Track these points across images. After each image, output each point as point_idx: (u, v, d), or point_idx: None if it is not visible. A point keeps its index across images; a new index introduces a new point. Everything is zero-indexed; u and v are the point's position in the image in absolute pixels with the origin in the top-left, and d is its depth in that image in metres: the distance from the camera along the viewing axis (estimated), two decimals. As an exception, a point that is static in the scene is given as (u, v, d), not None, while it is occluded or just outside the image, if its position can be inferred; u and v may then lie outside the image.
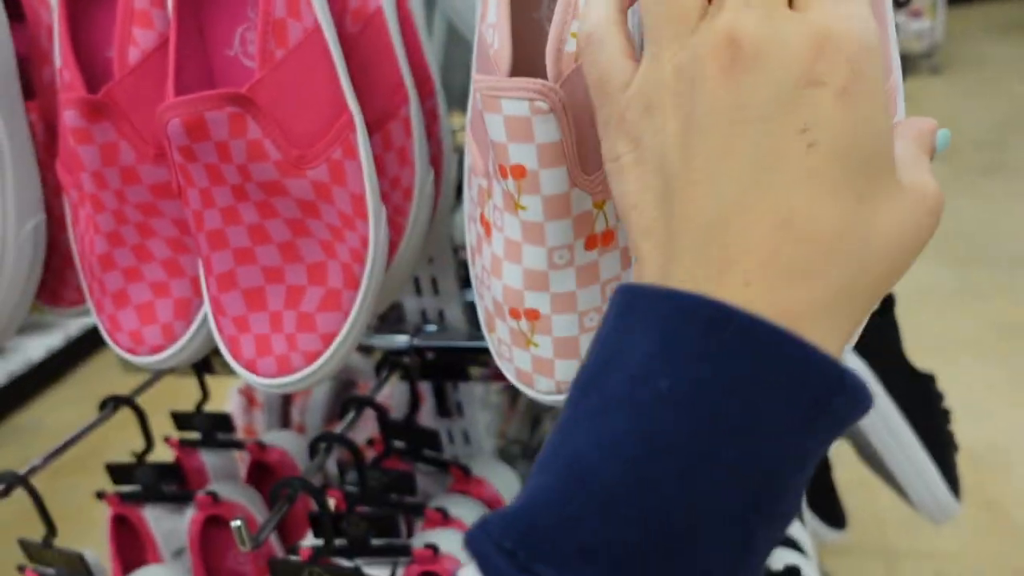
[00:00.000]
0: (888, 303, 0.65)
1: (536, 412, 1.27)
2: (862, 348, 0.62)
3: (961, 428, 1.57)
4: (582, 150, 0.32)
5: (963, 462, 1.45)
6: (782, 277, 0.19)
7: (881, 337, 0.64)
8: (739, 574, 0.18)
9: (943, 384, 1.76)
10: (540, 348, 0.37)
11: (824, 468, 0.69)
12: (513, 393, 1.27)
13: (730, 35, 0.20)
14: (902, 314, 0.73)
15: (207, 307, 0.40)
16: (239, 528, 0.41)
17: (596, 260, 0.35)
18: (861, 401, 0.19)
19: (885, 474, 0.67)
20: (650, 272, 0.22)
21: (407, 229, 0.45)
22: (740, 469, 0.18)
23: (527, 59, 0.32)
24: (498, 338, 0.39)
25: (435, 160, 0.47)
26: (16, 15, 0.49)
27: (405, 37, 0.44)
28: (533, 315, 0.36)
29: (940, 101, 3.53)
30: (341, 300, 0.39)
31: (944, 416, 0.70)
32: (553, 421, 1.31)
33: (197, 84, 0.39)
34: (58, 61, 0.41)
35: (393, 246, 0.45)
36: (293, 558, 0.48)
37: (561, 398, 0.38)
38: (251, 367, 0.39)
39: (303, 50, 0.36)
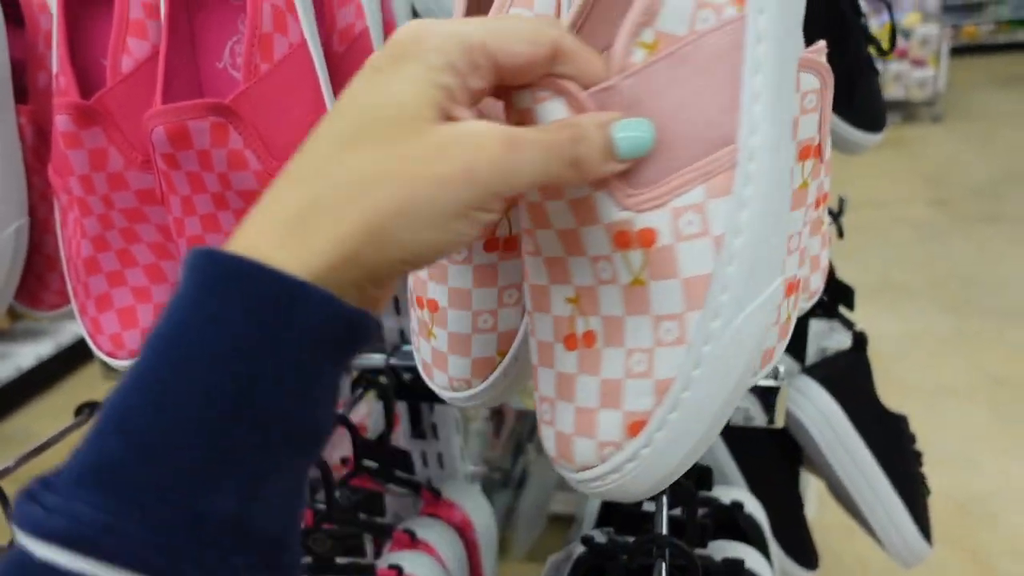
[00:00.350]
0: (860, 342, 0.66)
1: (519, 440, 1.27)
2: (832, 386, 0.63)
3: (948, 476, 1.56)
4: None
5: (949, 511, 1.44)
6: (263, 216, 0.23)
7: (852, 375, 0.65)
8: (225, 478, 0.21)
9: (931, 430, 1.75)
10: (437, 340, 0.38)
11: (794, 505, 0.69)
12: (497, 421, 1.27)
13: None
14: (891, 356, 0.74)
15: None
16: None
17: (495, 263, 0.36)
18: (324, 310, 0.22)
19: (857, 515, 0.67)
20: None
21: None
22: (211, 392, 0.20)
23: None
24: (412, 327, 0.41)
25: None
26: (15, 19, 0.50)
27: (393, 60, 0.45)
28: (433, 306, 0.38)
29: (940, 149, 3.57)
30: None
31: (916, 458, 0.70)
32: (535, 450, 1.31)
33: (186, 94, 0.40)
34: (55, 66, 0.42)
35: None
36: None
37: (455, 395, 0.39)
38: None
39: (288, 64, 0.37)
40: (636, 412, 0.27)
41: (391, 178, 0.22)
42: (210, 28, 0.40)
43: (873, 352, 0.69)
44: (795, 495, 0.69)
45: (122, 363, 0.43)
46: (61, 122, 0.40)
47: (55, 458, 0.60)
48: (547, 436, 0.30)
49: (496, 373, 0.38)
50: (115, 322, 0.43)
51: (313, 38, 0.38)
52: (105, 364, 0.65)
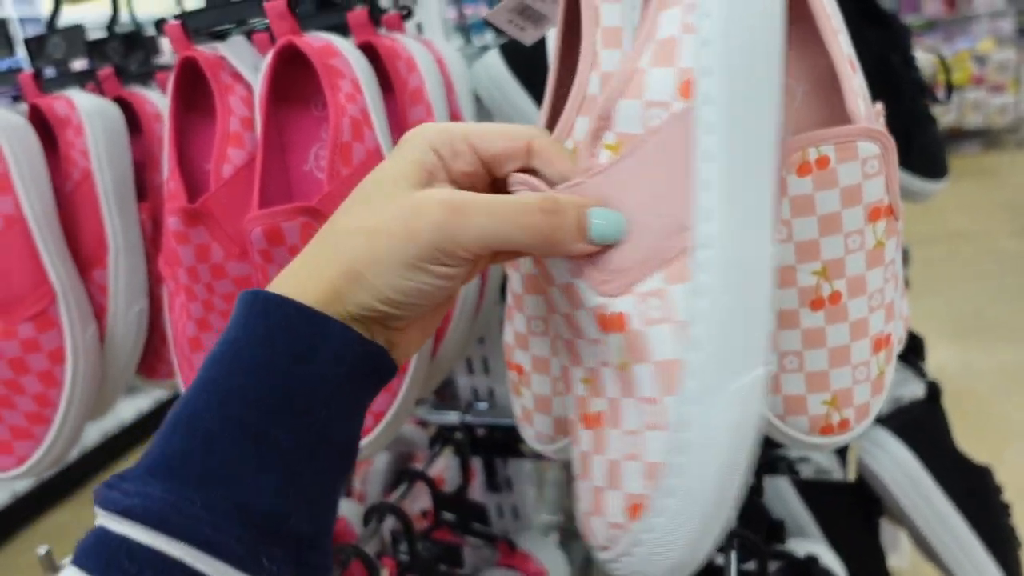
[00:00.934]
0: (934, 392, 0.65)
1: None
2: (907, 436, 0.62)
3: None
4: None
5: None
6: (290, 267, 0.28)
7: (927, 425, 0.63)
8: (265, 474, 0.25)
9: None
10: (524, 399, 0.42)
11: (875, 556, 0.67)
12: (572, 470, 1.28)
13: None
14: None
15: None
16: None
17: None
18: (343, 338, 0.26)
19: (945, 569, 0.65)
20: None
21: (452, 320, 0.49)
22: (256, 398, 0.25)
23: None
24: (508, 383, 0.45)
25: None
26: (134, 128, 0.58)
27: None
28: (519, 369, 0.42)
29: (1026, 176, 3.41)
30: (391, 383, 0.43)
31: (1004, 509, 0.67)
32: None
33: (278, 194, 0.45)
34: (165, 172, 0.49)
35: (440, 335, 0.49)
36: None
37: (541, 447, 0.43)
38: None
39: (365, 168, 0.42)
40: (633, 494, 0.27)
41: (364, 232, 0.27)
42: (296, 136, 0.46)
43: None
44: (875, 547, 0.67)
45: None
46: (172, 223, 0.45)
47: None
48: (576, 513, 0.32)
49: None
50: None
51: (387, 143, 0.43)
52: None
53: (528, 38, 0.40)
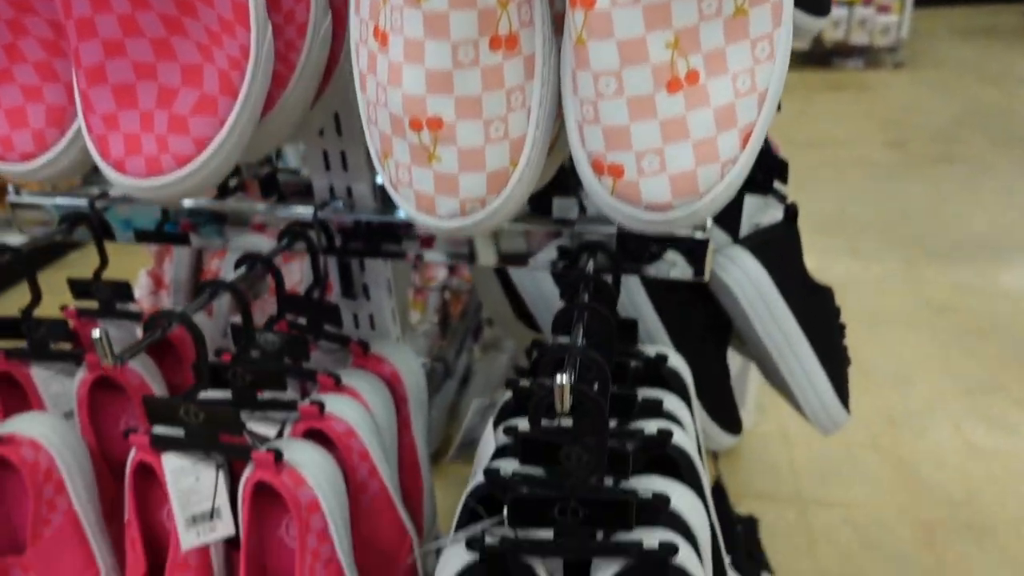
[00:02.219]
0: (791, 214, 0.66)
1: (463, 339, 1.28)
2: (763, 256, 0.63)
3: (884, 393, 1.62)
4: None
5: (882, 425, 1.50)
6: None
7: (780, 245, 0.65)
8: None
9: (872, 355, 1.80)
10: (444, 163, 0.36)
11: (721, 373, 0.70)
12: (443, 322, 1.27)
13: None
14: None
15: (79, 107, 0.39)
16: (100, 340, 0.40)
17: (500, 63, 0.34)
18: None
19: (780, 382, 0.69)
20: None
21: (299, 66, 0.44)
22: None
23: None
24: (395, 163, 0.38)
25: (338, 6, 0.46)
26: None
27: None
28: (436, 124, 0.35)
29: (900, 93, 3.60)
30: (217, 106, 0.38)
31: (839, 330, 0.72)
32: (480, 349, 1.32)
33: None
34: None
35: (283, 79, 0.44)
36: (168, 397, 0.48)
37: (465, 222, 0.37)
38: (119, 166, 0.38)
39: None
40: (748, 124, 0.33)
41: None
42: None
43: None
44: (722, 364, 0.70)
45: (10, 167, 0.41)
46: None
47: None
48: (659, 183, 0.34)
49: (511, 185, 0.36)
50: (3, 122, 0.41)
51: None
52: None
53: None
